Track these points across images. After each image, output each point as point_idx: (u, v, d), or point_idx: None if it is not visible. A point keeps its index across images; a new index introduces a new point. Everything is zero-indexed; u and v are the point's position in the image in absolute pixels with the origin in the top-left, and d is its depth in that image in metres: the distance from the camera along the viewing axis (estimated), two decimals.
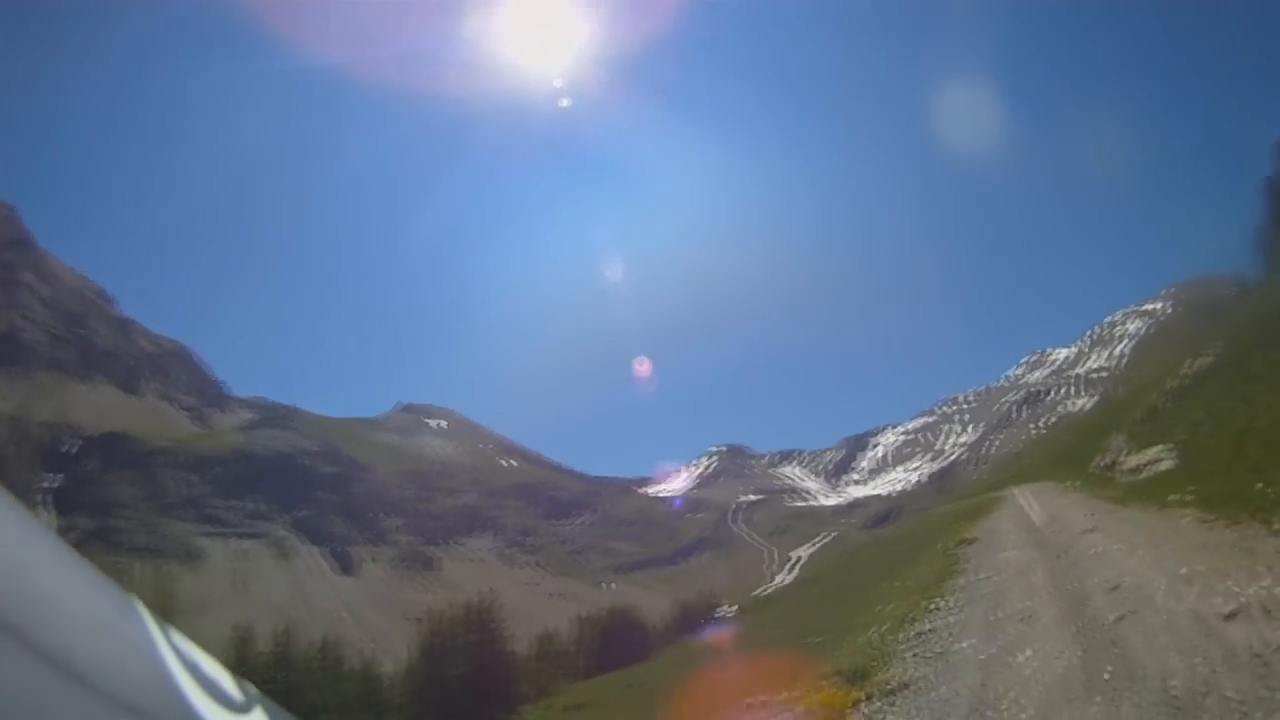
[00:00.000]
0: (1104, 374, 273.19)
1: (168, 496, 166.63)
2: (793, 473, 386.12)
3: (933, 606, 16.43)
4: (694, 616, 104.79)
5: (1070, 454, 62.57)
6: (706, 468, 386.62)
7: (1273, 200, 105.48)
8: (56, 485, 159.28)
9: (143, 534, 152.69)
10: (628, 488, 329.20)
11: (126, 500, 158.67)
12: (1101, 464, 36.15)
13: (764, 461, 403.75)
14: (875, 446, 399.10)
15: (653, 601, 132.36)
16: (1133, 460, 29.14)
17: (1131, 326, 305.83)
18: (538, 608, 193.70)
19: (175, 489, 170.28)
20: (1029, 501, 37.83)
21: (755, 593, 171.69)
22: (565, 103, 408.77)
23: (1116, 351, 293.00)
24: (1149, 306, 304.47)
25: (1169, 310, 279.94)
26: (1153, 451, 26.96)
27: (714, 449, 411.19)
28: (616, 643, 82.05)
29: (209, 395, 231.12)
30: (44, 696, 0.61)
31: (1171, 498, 17.97)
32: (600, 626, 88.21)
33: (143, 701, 0.69)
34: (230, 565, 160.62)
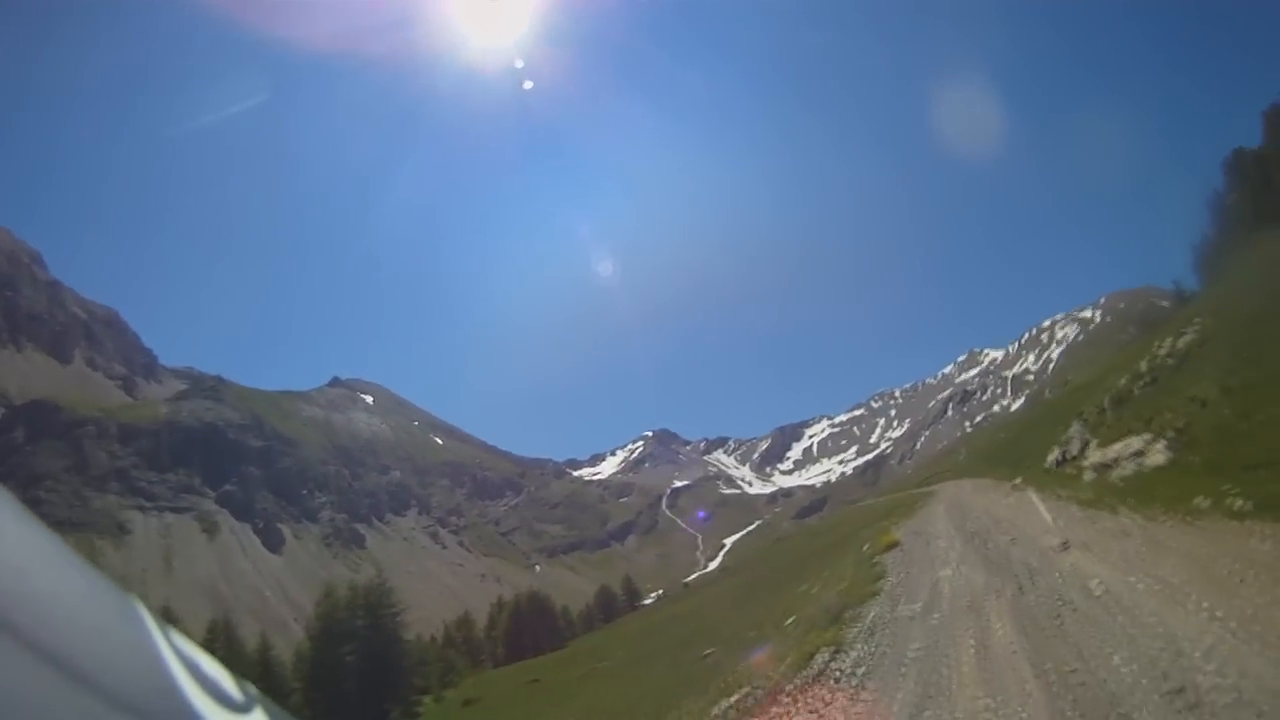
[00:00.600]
0: (1033, 377, 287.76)
1: (95, 468, 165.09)
2: (723, 460, 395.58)
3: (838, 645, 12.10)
4: (614, 603, 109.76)
5: (1005, 451, 58.98)
6: (635, 452, 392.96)
7: (1218, 214, 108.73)
8: None
9: (69, 507, 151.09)
10: (558, 470, 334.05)
11: (53, 472, 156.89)
12: (1055, 459, 31.71)
13: (695, 448, 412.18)
14: (806, 437, 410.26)
15: (581, 585, 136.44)
16: (1100, 454, 24.85)
17: (1063, 332, 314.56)
18: (464, 588, 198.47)
19: (102, 460, 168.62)
20: (967, 499, 34.76)
21: (685, 580, 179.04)
22: (528, 85, 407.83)
23: (1047, 355, 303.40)
24: (1083, 314, 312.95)
25: (1101, 318, 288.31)
26: (1134, 443, 22.58)
27: (645, 433, 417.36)
28: (530, 630, 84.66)
29: (139, 364, 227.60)
30: (44, 696, 0.62)
31: (1198, 501, 13.90)
32: (511, 614, 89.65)
33: (143, 701, 0.71)
34: (157, 540, 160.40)
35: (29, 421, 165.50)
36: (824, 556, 35.29)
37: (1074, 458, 29.81)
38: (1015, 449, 53.83)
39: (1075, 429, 33.89)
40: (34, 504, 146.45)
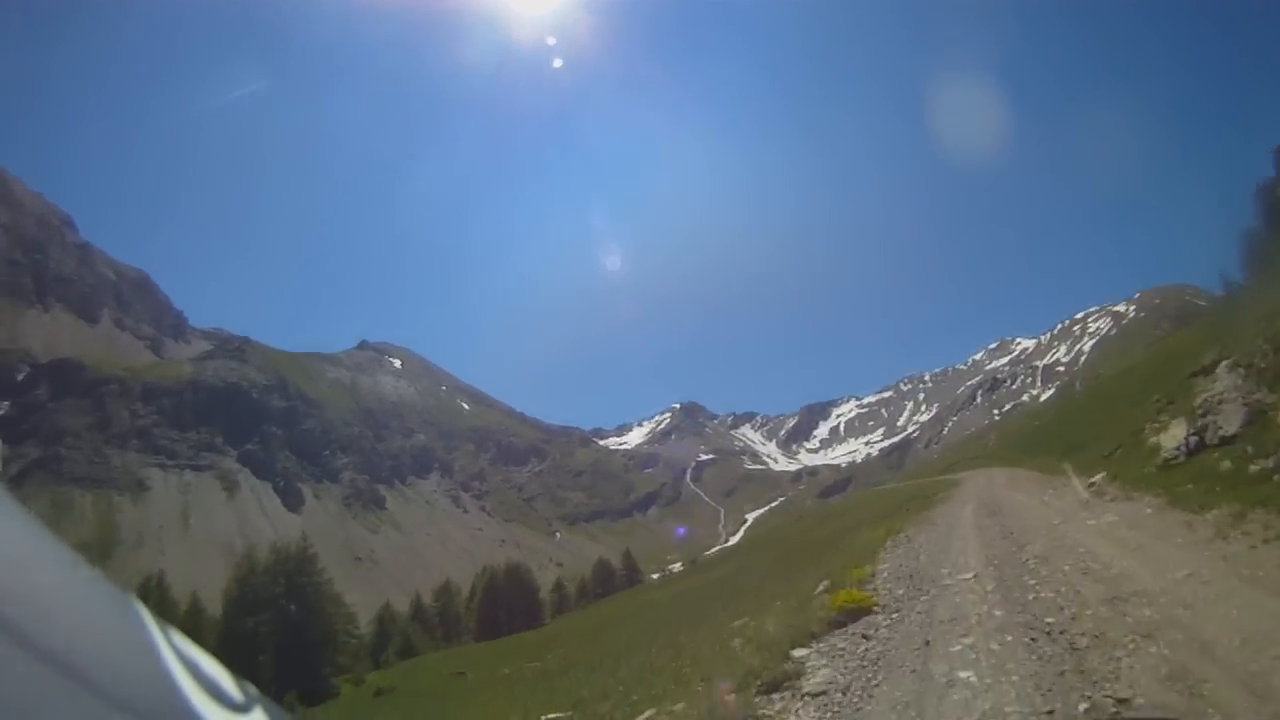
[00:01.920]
0: (1064, 368, 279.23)
1: (116, 426, 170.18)
2: (749, 435, 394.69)
3: None
4: (612, 578, 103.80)
5: (1043, 439, 51.36)
6: (662, 424, 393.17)
7: (1267, 205, 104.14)
8: (2, 413, 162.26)
9: (89, 463, 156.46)
10: (583, 438, 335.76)
11: (74, 429, 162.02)
12: (1181, 445, 17.98)
13: (721, 423, 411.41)
14: (833, 416, 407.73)
15: (601, 553, 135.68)
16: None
17: (1096, 325, 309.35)
18: (482, 553, 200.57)
19: (124, 419, 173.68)
20: (1002, 497, 26.25)
21: (706, 552, 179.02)
22: (558, 64, 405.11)
23: (1079, 348, 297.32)
24: (1117, 308, 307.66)
25: (1135, 313, 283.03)
26: None
27: (672, 405, 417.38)
28: (506, 605, 79.73)
29: (168, 325, 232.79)
30: (44, 696, 0.62)
31: None
32: (486, 587, 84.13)
33: (143, 701, 0.71)
34: (176, 498, 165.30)
35: (53, 380, 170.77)
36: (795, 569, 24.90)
37: (1230, 438, 16.07)
38: (1055, 437, 47.17)
39: (1228, 381, 18.34)
40: (55, 460, 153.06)
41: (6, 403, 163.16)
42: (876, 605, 10.93)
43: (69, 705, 0.63)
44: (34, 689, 0.61)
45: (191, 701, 0.77)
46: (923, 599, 10.84)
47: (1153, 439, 20.83)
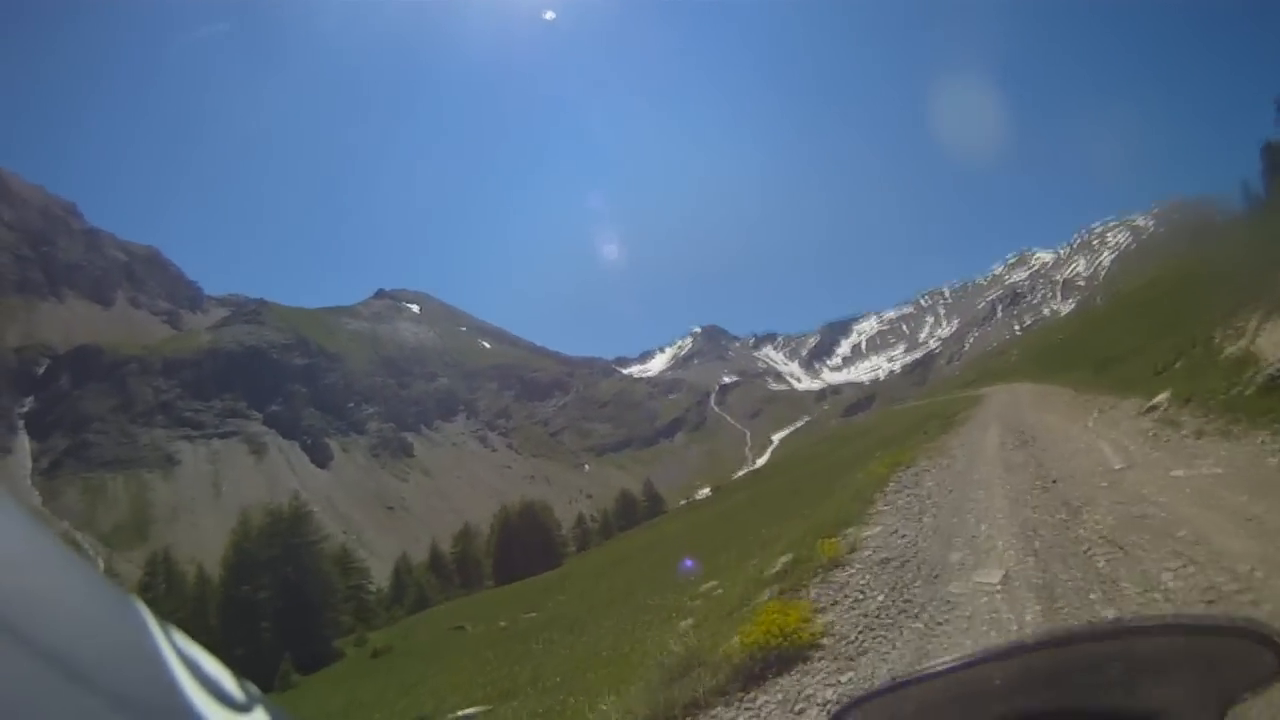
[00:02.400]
0: (1084, 282, 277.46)
1: (140, 405, 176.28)
2: (772, 356, 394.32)
3: None
4: (635, 509, 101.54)
5: (1068, 354, 47.21)
6: (684, 349, 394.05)
7: None
8: (28, 409, 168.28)
9: (117, 446, 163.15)
10: (606, 368, 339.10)
11: (99, 414, 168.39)
12: (1204, 361, 16.97)
13: (743, 344, 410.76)
14: (854, 333, 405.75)
15: (629, 483, 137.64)
16: None
17: (1115, 238, 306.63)
18: (512, 490, 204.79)
19: (147, 396, 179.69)
20: (1029, 420, 21.45)
21: (735, 475, 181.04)
22: (550, 15, 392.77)
23: (1099, 261, 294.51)
24: (1137, 222, 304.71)
25: (1155, 227, 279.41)
26: None
27: (694, 329, 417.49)
28: (522, 546, 76.82)
29: (184, 297, 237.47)
30: (44, 696, 0.58)
31: None
32: (500, 528, 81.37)
33: (143, 701, 0.66)
34: (205, 468, 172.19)
35: (73, 368, 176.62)
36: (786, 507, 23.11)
37: None
38: (1083, 350, 42.19)
39: None
40: (84, 448, 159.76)
41: (31, 398, 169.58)
42: (820, 643, 6.44)
43: (69, 705, 0.59)
44: (34, 689, 0.58)
45: (192, 701, 0.71)
46: (905, 633, 6.30)
47: (1233, 347, 15.94)
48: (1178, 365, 19.18)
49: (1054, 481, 10.61)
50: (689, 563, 20.61)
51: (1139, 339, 31.33)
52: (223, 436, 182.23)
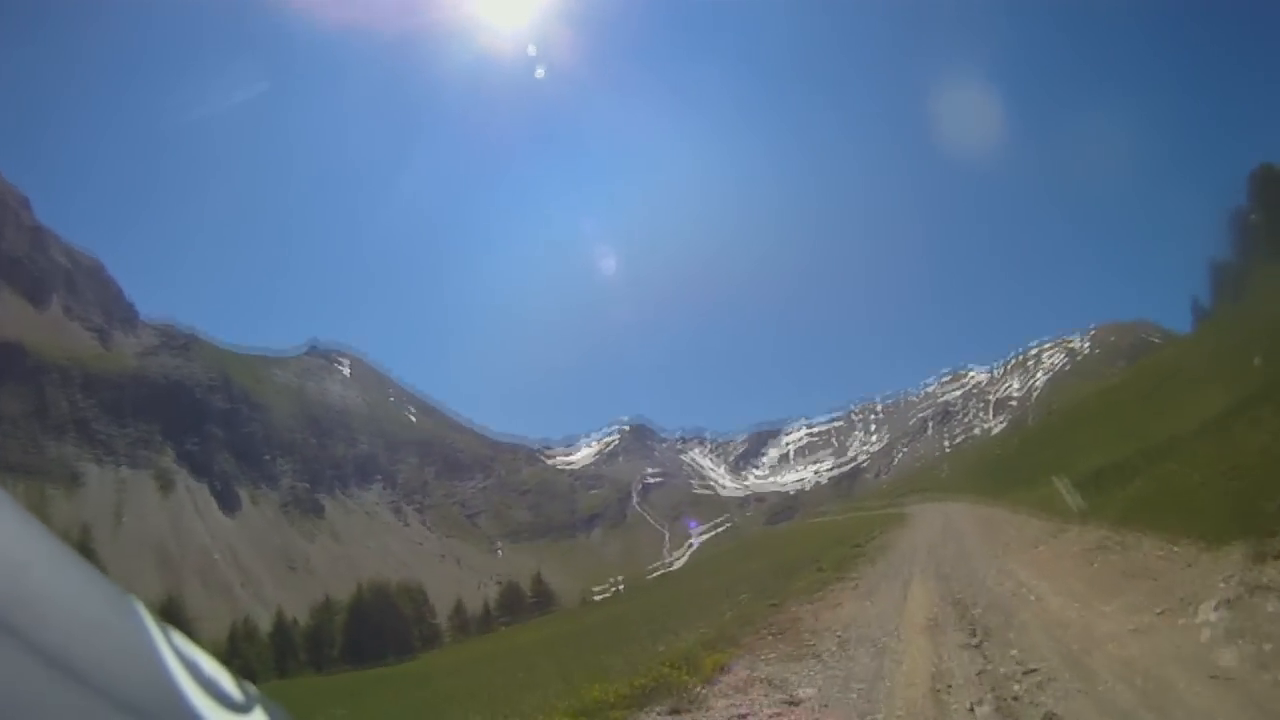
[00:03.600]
0: (1016, 402, 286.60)
1: (55, 416, 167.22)
2: (698, 460, 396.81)
3: None
4: (521, 603, 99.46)
5: (1008, 470, 46.14)
6: (610, 445, 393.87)
7: (1240, 231, 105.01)
8: None
9: (23, 452, 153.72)
10: (530, 455, 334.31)
11: (11, 415, 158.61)
12: None
13: (670, 445, 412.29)
14: (783, 441, 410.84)
15: (543, 571, 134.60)
16: None
17: (1050, 359, 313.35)
18: (422, 567, 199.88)
19: (63, 408, 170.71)
20: (974, 555, 18.29)
21: (651, 571, 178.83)
22: (540, 73, 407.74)
23: (1033, 382, 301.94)
24: (1072, 343, 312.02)
25: (1090, 349, 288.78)
26: None
27: (621, 422, 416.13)
28: (373, 631, 74.03)
29: (118, 316, 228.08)
30: (44, 696, 0.63)
31: None
32: (351, 611, 77.69)
33: (143, 701, 0.71)
34: (110, 494, 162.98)
35: None
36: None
37: None
38: (1029, 464, 38.84)
39: None
40: None
41: None
42: None
43: (69, 705, 0.64)
44: (34, 689, 0.63)
45: (191, 701, 0.78)
46: None
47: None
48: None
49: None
50: None
51: (1122, 444, 29.81)
52: (133, 465, 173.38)
